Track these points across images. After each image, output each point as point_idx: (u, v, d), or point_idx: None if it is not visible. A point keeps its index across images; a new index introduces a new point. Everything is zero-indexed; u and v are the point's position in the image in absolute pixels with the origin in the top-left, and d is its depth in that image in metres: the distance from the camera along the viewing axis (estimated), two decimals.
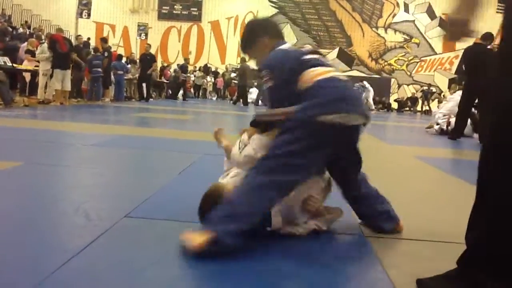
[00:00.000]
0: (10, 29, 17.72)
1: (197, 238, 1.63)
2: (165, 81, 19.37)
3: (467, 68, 7.52)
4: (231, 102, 18.12)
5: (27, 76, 11.26)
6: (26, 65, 11.35)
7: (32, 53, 11.40)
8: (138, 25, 21.57)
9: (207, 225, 1.71)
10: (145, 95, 15.19)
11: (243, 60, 16.40)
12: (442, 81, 23.25)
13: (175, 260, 1.65)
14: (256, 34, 2.14)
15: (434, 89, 22.79)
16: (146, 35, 21.14)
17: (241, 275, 1.56)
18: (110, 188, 2.76)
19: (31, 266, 1.50)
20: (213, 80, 23.31)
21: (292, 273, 1.62)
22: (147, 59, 14.90)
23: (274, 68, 1.91)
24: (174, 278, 1.51)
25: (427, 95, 22.11)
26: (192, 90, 22.14)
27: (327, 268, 1.68)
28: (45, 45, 10.77)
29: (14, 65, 10.70)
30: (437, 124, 8.90)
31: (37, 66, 10.85)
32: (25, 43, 12.54)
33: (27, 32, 18.87)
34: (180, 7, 24.73)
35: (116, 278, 1.47)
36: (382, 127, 10.87)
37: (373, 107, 20.56)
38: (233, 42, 24.59)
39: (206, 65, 23.81)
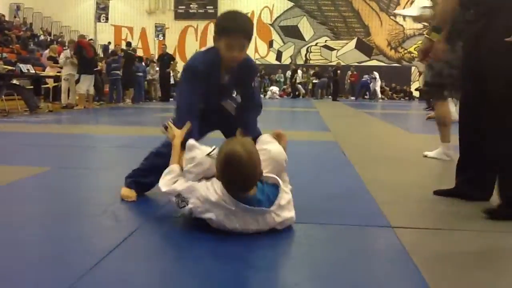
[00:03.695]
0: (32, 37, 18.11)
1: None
2: None
3: None
4: None
5: (50, 82, 11.48)
6: (49, 71, 11.57)
7: (54, 59, 11.62)
8: (156, 26, 21.70)
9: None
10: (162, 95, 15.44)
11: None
12: None
13: (204, 258, 1.67)
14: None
15: None
16: (164, 35, 21.27)
17: (264, 267, 1.58)
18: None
19: (62, 269, 1.54)
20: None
21: (317, 264, 1.63)
22: (165, 60, 15.03)
23: None
24: (205, 278, 1.53)
25: None
26: None
27: (355, 260, 1.68)
28: (68, 51, 10.97)
29: (37, 71, 10.93)
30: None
31: (59, 72, 11.05)
32: (47, 50, 12.79)
33: (48, 39, 19.25)
34: (196, 5, 24.82)
35: (146, 279, 1.49)
36: (403, 116, 10.73)
37: (380, 96, 21.42)
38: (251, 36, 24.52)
39: None
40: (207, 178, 1.91)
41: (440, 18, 2.60)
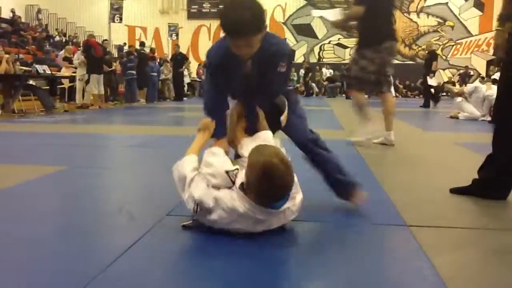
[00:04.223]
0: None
1: None
2: (198, 79, 19.55)
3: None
4: None
5: (66, 83, 11.61)
6: (64, 71, 11.70)
7: (69, 60, 11.75)
8: (169, 26, 21.80)
9: None
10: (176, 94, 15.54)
11: None
12: (479, 64, 22.48)
13: (218, 255, 1.67)
14: (264, 19, 1.91)
15: (472, 72, 22.07)
16: (177, 35, 21.34)
17: (281, 265, 1.58)
18: (150, 187, 2.83)
19: (79, 267, 1.56)
20: None
21: (333, 262, 1.63)
22: (178, 59, 15.12)
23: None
24: (219, 276, 1.53)
25: (465, 79, 21.45)
26: None
27: (371, 258, 1.67)
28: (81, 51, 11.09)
29: (53, 72, 11.06)
30: (459, 112, 8.50)
31: (75, 73, 11.17)
32: (62, 51, 12.93)
33: (63, 40, 19.46)
34: (209, 5, 24.85)
35: (161, 277, 1.50)
36: (417, 114, 10.63)
37: (394, 93, 21.10)
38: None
39: None
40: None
41: (507, 5, 2.38)
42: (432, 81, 12.33)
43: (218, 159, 1.90)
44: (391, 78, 4.74)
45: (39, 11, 22.56)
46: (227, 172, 1.81)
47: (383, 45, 4.36)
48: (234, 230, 1.79)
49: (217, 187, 1.81)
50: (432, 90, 12.74)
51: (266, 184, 1.68)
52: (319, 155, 2.22)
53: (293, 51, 2.21)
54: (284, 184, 1.72)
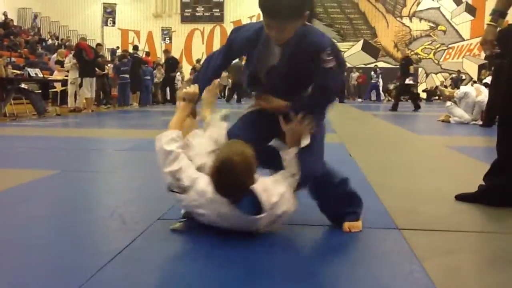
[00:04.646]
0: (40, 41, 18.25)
1: None
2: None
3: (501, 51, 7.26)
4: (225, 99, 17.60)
5: (58, 86, 11.56)
6: (56, 75, 11.65)
7: (61, 63, 11.70)
8: (162, 30, 21.81)
9: None
10: (169, 98, 15.60)
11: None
12: (471, 68, 22.67)
13: (212, 259, 1.67)
14: (309, 5, 1.76)
15: (464, 76, 22.24)
16: (170, 38, 21.36)
17: (271, 267, 1.58)
18: (143, 192, 2.82)
19: (71, 270, 1.55)
20: None
21: (325, 266, 1.63)
22: (170, 63, 15.15)
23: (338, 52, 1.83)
24: (211, 279, 1.53)
25: (457, 83, 21.61)
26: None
27: (361, 261, 1.67)
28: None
29: (45, 75, 11.01)
30: (450, 116, 8.54)
31: (67, 76, 11.13)
32: (55, 54, 12.88)
33: (56, 43, 19.39)
34: (202, 9, 24.88)
35: (154, 280, 1.50)
36: (410, 118, 10.69)
37: (384, 96, 21.56)
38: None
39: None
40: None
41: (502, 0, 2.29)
42: (410, 81, 12.55)
43: (200, 140, 1.94)
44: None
45: (35, 16, 22.50)
46: (208, 153, 1.88)
47: None
48: (198, 217, 1.84)
49: (198, 169, 1.85)
50: (415, 92, 12.99)
51: (217, 177, 1.73)
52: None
53: (337, 46, 1.84)
54: (234, 183, 1.73)
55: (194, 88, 1.97)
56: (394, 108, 12.49)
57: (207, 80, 2.05)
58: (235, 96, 16.66)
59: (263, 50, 1.85)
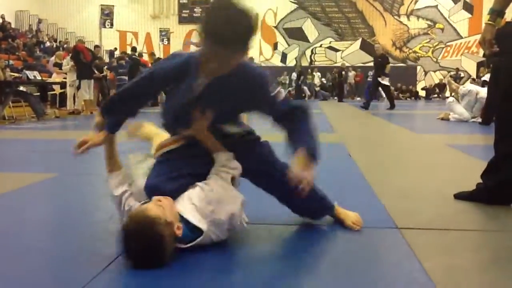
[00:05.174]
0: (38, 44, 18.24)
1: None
2: None
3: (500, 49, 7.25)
4: None
5: (57, 89, 11.56)
6: (55, 77, 11.64)
7: (60, 65, 11.70)
8: (160, 31, 21.82)
9: None
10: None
11: (251, 59, 16.81)
12: (470, 65, 22.69)
13: (209, 265, 1.67)
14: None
15: (462, 74, 22.25)
16: (169, 40, 21.37)
17: (271, 267, 1.58)
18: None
19: (70, 274, 1.55)
20: None
21: (324, 265, 1.63)
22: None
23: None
24: (209, 283, 1.53)
25: (456, 80, 21.62)
26: None
27: (361, 261, 1.67)
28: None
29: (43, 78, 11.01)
30: (449, 114, 8.53)
31: (65, 78, 11.13)
32: (53, 57, 12.88)
33: (54, 46, 19.40)
34: (200, 9, 24.85)
35: (153, 282, 1.50)
36: (409, 116, 10.70)
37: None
38: (254, 40, 24.64)
39: None
40: None
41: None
42: (386, 81, 12.43)
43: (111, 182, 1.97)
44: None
45: (40, 21, 22.51)
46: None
47: None
48: None
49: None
50: (391, 90, 12.93)
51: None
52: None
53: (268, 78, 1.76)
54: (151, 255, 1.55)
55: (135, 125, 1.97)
56: (366, 106, 12.34)
57: (126, 111, 1.90)
58: None
59: (191, 83, 1.70)
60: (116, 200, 1.88)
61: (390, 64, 12.85)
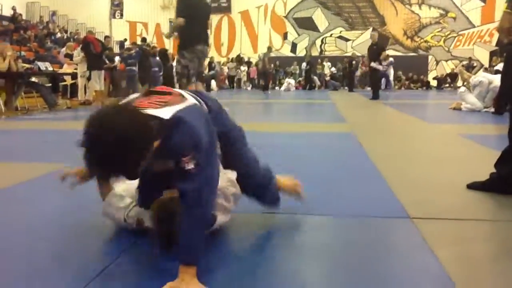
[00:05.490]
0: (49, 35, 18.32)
1: None
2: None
3: None
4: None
5: (68, 80, 11.62)
6: (66, 68, 11.69)
7: (71, 56, 11.74)
8: (170, 21, 21.78)
9: None
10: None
11: (269, 49, 18.01)
12: (482, 55, 22.37)
13: (216, 260, 1.67)
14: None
15: (475, 63, 21.97)
16: None
17: (285, 260, 1.58)
18: None
19: (75, 270, 1.54)
20: (246, 70, 23.37)
21: (336, 255, 1.63)
22: (165, 54, 15.19)
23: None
24: (213, 280, 1.54)
25: (468, 70, 21.36)
26: (226, 81, 22.52)
27: (373, 251, 1.67)
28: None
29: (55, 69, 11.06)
30: (461, 104, 8.43)
31: (76, 69, 11.17)
32: (64, 48, 12.93)
33: (65, 37, 19.47)
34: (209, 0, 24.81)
35: (156, 280, 1.50)
36: (420, 106, 10.60)
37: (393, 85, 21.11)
38: (264, 30, 24.52)
39: (238, 55, 23.84)
40: None
41: None
42: (378, 66, 12.19)
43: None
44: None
45: (53, 13, 22.61)
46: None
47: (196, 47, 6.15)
48: None
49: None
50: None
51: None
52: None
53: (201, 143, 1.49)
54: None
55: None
56: (375, 96, 11.82)
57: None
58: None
59: None
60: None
61: (387, 53, 12.53)
